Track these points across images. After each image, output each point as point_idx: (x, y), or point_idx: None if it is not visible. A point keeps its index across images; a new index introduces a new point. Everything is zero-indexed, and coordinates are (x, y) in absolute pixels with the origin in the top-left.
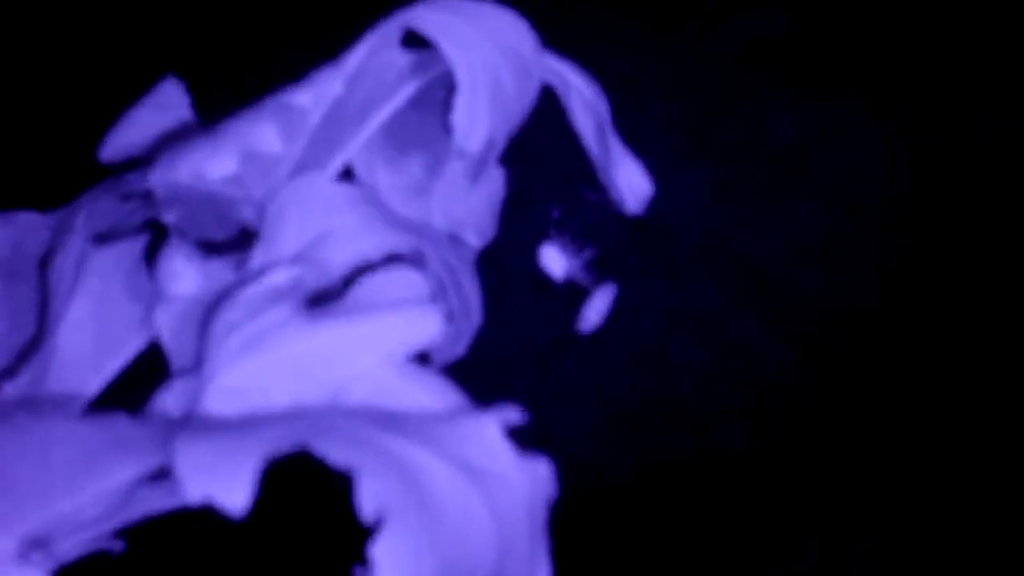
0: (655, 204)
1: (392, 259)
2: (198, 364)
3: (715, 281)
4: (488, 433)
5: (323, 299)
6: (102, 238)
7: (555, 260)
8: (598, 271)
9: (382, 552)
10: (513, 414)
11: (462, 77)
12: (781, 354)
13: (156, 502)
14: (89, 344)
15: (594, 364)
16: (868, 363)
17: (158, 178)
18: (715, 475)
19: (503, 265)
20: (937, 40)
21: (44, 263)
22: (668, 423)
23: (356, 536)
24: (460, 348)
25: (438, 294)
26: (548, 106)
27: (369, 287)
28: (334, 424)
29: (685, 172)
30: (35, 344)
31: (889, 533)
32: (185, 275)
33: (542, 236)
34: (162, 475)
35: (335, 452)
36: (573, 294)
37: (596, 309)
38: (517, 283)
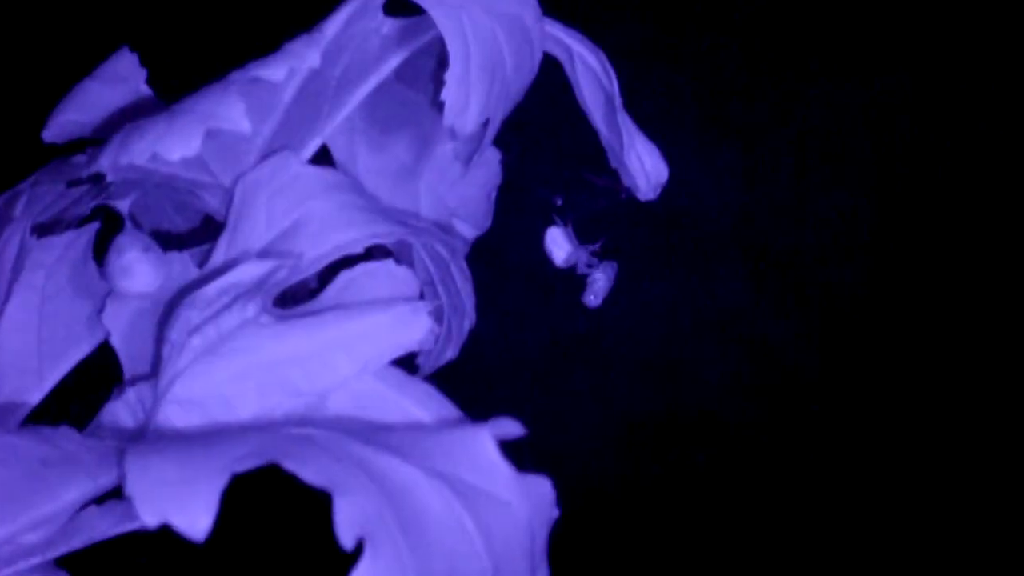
0: (671, 190)
1: (375, 252)
2: (154, 370)
3: (739, 277)
4: (482, 448)
5: (296, 297)
6: (46, 228)
7: (561, 244)
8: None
9: None
10: (510, 427)
11: (454, 47)
12: (813, 359)
13: (106, 526)
14: (31, 347)
15: (601, 371)
16: (913, 370)
17: (110, 161)
18: (735, 496)
19: (500, 259)
20: (990, 12)
21: None
22: (683, 438)
23: (335, 562)
24: (451, 352)
25: (426, 291)
26: (551, 80)
27: (348, 283)
28: (309, 437)
29: (705, 154)
30: None
31: (926, 555)
32: (140, 270)
33: (543, 226)
34: (113, 496)
35: (310, 469)
36: (578, 293)
37: (596, 291)
38: (515, 279)
